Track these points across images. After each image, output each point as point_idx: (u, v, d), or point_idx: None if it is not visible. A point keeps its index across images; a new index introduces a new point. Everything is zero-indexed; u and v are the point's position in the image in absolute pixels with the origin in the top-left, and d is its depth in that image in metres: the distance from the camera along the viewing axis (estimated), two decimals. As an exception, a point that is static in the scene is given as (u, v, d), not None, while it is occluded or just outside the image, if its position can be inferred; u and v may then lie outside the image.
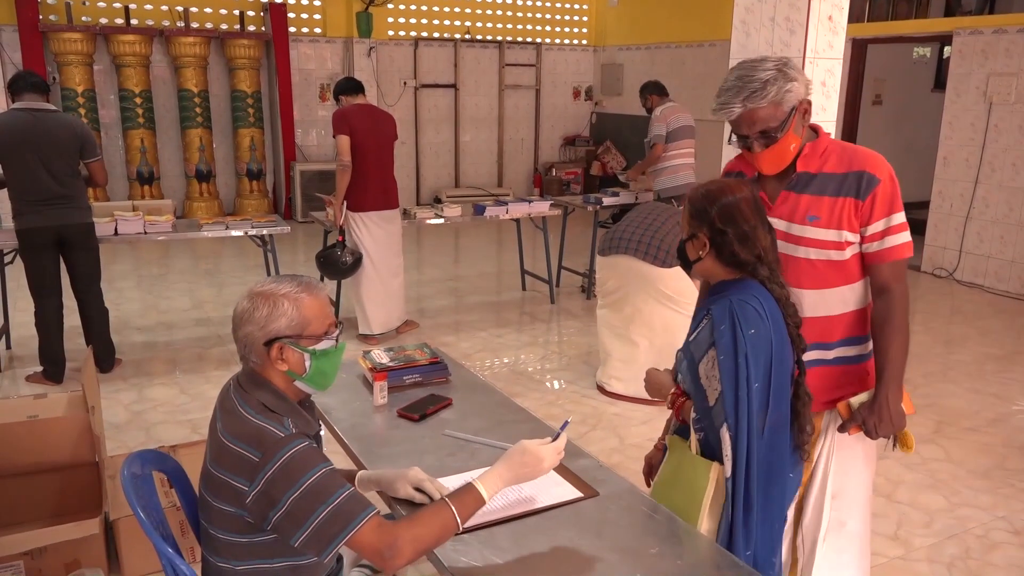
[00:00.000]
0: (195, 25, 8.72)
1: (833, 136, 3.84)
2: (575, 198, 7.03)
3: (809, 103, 1.95)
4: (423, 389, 2.55)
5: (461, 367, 2.83)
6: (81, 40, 8.11)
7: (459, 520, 1.60)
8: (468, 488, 1.64)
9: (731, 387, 1.77)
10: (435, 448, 2.15)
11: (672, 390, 2.01)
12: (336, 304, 5.56)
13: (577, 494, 1.89)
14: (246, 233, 5.12)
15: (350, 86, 5.15)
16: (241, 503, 1.58)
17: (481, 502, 1.64)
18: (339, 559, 1.88)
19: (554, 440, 1.73)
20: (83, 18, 8.35)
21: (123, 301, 6.12)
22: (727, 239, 1.82)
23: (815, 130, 2.02)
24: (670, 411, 2.03)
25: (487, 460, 2.07)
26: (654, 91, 6.33)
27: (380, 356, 2.67)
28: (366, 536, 1.53)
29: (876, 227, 1.95)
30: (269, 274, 4.93)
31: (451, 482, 1.92)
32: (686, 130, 6.16)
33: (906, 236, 1.97)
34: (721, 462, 1.81)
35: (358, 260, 5.06)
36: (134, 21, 8.52)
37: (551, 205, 6.23)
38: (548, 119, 11.08)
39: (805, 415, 1.87)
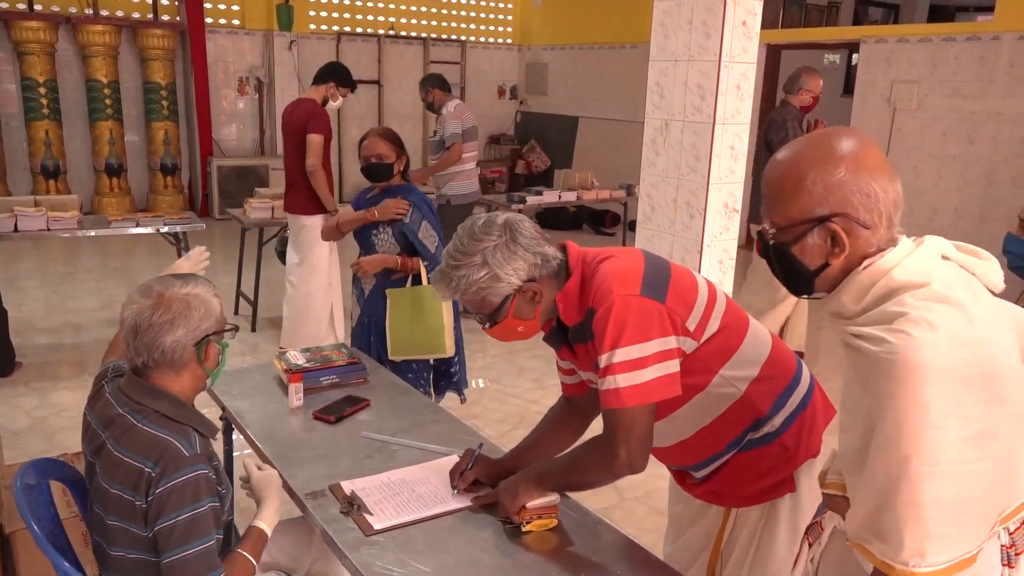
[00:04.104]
0: (104, 13, 8.34)
1: (747, 141, 3.95)
2: (499, 196, 7.03)
3: (538, 289, 1.65)
4: (340, 390, 2.51)
5: (380, 368, 2.79)
6: (-21, 25, 7.68)
7: (255, 562, 1.66)
8: (254, 531, 1.71)
9: (441, 238, 3.03)
10: (352, 450, 2.12)
11: (397, 258, 3.09)
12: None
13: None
14: (158, 231, 4.94)
15: (326, 75, 4.53)
16: (139, 518, 1.54)
17: (265, 538, 1.72)
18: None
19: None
20: (-19, 2, 7.91)
21: (26, 301, 5.82)
22: (407, 157, 3.22)
23: (569, 270, 1.69)
24: (400, 270, 3.10)
25: (405, 461, 2.05)
26: (437, 85, 5.63)
27: (296, 357, 2.61)
28: None
29: (599, 363, 1.58)
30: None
31: (369, 483, 1.90)
32: (475, 131, 5.62)
33: (621, 380, 1.53)
34: None
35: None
36: (38, 7, 8.10)
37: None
38: (473, 117, 11.05)
39: None
